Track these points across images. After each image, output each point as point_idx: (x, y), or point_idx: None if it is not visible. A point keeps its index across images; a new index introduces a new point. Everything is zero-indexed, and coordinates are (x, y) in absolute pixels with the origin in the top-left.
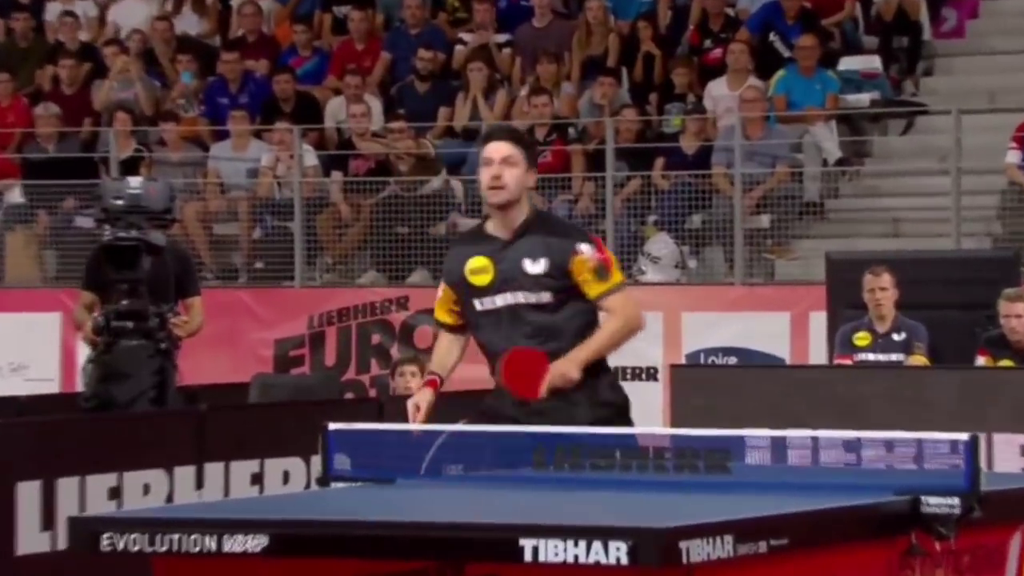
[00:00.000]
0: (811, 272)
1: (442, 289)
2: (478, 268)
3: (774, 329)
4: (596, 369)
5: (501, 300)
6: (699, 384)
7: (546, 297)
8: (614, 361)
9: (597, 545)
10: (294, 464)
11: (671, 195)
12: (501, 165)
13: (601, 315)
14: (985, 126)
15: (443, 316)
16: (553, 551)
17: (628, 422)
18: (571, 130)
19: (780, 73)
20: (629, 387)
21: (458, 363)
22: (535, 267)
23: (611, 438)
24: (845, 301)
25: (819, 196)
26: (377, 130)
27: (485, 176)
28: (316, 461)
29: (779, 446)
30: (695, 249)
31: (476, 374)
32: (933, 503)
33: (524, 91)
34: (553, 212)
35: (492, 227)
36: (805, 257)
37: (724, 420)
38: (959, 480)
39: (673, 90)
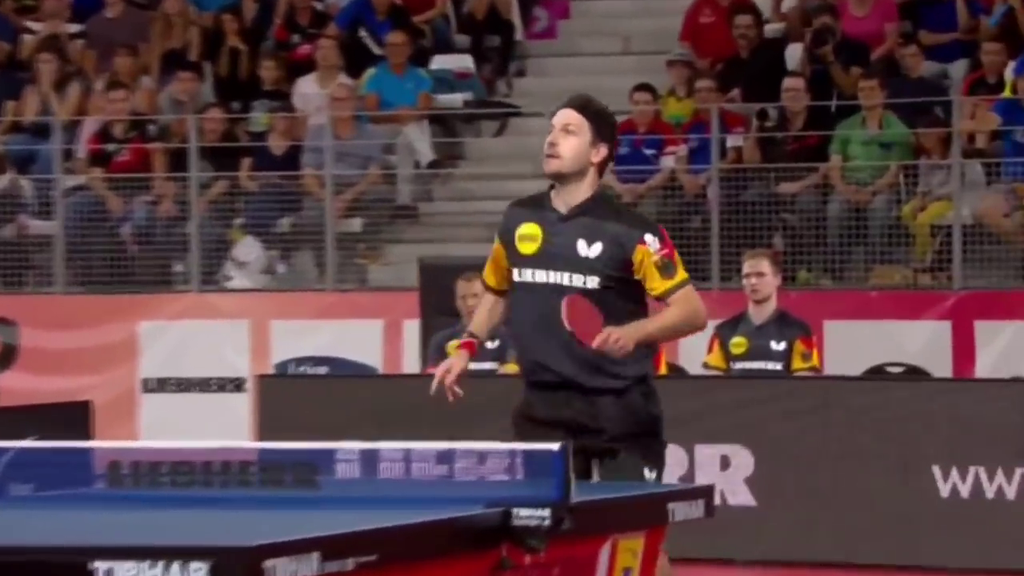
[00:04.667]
0: (404, 278)
1: (495, 247)
2: (527, 235)
3: (367, 337)
4: (640, 374)
5: (542, 276)
6: (288, 395)
7: (593, 282)
8: (199, 370)
9: (176, 566)
10: None
11: (259, 197)
12: (560, 132)
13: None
14: None
15: (488, 276)
16: (128, 574)
17: (658, 442)
18: (151, 127)
19: (370, 71)
20: (213, 399)
21: (499, 326)
22: (588, 250)
23: (190, 452)
24: (439, 308)
25: (412, 199)
26: None
27: (545, 142)
28: None
29: (370, 459)
30: (284, 254)
31: (44, 386)
32: (524, 515)
33: (100, 85)
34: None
35: (554, 198)
36: (398, 262)
37: (314, 432)
38: (550, 491)
39: (260, 87)
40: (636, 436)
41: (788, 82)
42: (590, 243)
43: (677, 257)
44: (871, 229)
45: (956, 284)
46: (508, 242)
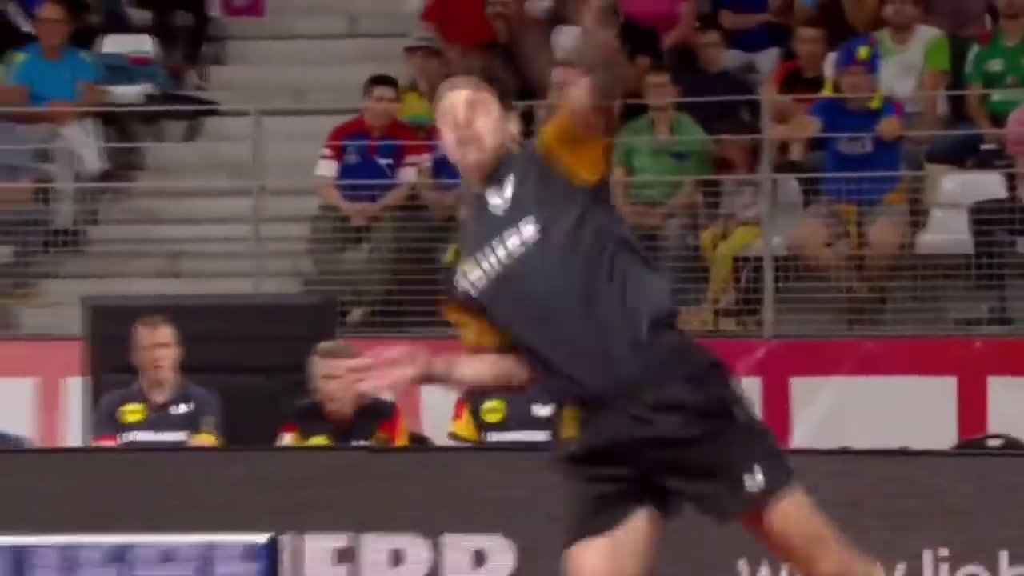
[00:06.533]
0: (65, 323)
1: None
2: None
3: (15, 400)
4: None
5: None
6: None
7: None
8: None
9: None
10: None
11: None
12: (465, 108)
13: None
14: (291, 132)
15: None
16: None
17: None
18: None
19: (20, 56)
20: None
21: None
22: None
23: None
24: (111, 362)
25: (74, 221)
26: None
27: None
28: None
29: (18, 559)
30: None
31: None
32: None
33: None
34: None
35: None
36: (56, 303)
37: None
38: None
39: None
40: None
41: (555, 74)
42: None
43: None
44: (662, 261)
45: (767, 331)
46: None
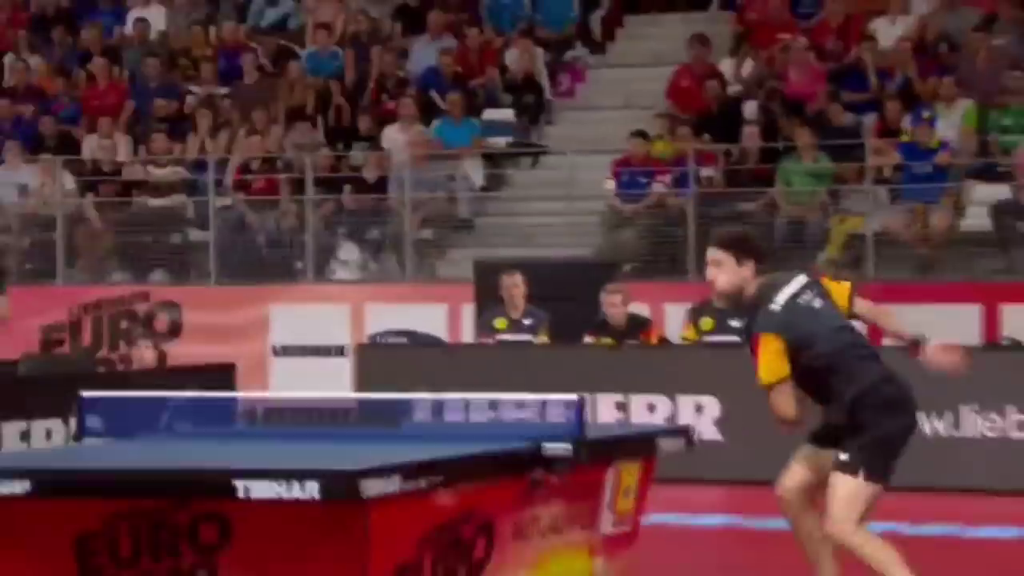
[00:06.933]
0: (464, 273)
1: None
2: None
3: (435, 317)
4: None
5: None
6: (380, 359)
7: None
8: (313, 340)
9: (295, 484)
10: (55, 424)
11: (357, 213)
12: (711, 267)
13: None
14: (591, 164)
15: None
16: (261, 490)
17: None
18: (279, 162)
19: (437, 121)
20: (322, 363)
21: None
22: None
23: (305, 402)
24: (490, 295)
25: (469, 215)
26: (125, 161)
27: None
28: (73, 422)
29: (437, 406)
30: (375, 255)
31: (201, 352)
32: (551, 448)
33: (242, 132)
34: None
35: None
36: (459, 261)
37: (398, 386)
38: (570, 430)
39: (358, 133)
40: None
41: (745, 129)
42: None
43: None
44: (807, 237)
45: (870, 277)
46: None
